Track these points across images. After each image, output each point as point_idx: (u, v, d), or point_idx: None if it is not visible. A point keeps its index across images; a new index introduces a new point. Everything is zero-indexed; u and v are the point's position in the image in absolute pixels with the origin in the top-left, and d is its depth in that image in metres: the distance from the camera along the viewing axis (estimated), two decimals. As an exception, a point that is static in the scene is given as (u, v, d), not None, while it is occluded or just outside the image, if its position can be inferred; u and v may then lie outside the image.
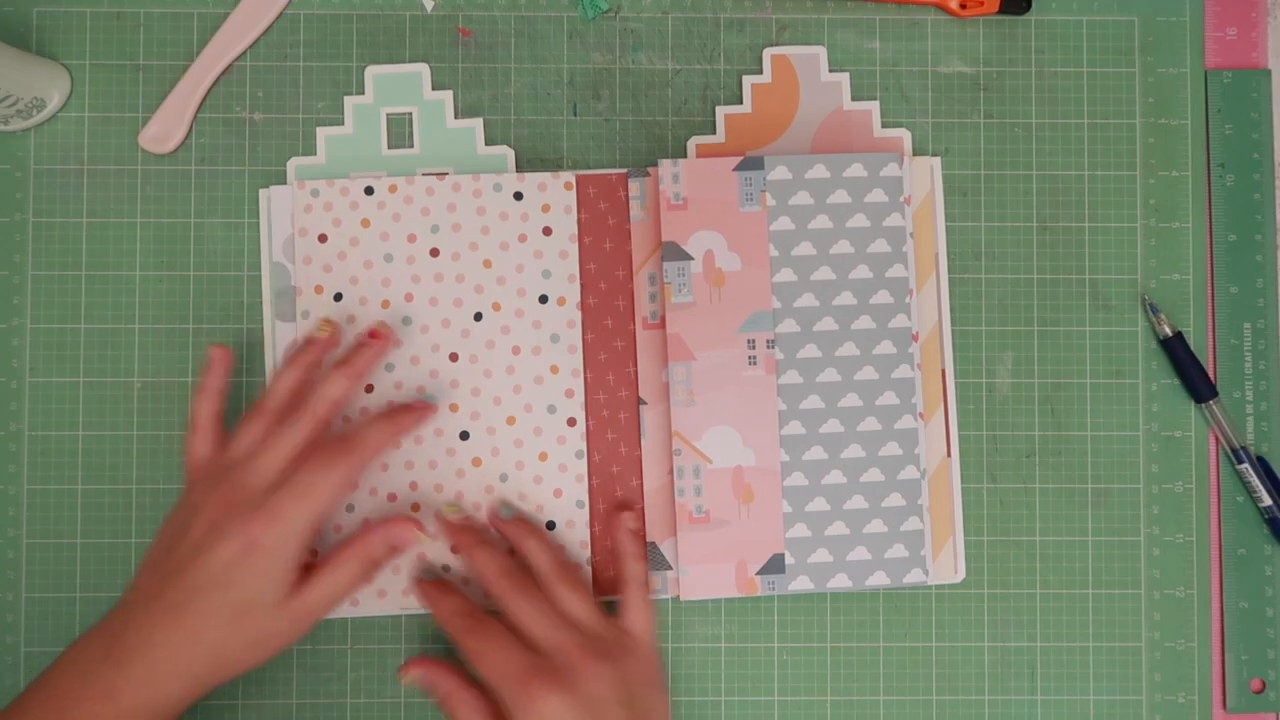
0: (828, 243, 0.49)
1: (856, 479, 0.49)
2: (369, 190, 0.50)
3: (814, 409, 0.49)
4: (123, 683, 0.41)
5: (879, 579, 0.49)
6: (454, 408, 0.50)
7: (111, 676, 0.41)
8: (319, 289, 0.50)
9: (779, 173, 0.49)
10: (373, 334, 0.49)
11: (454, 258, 0.50)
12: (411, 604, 0.49)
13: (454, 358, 0.50)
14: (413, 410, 0.48)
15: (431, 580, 0.49)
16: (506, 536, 0.49)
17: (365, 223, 0.50)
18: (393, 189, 0.50)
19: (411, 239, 0.50)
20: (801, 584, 0.49)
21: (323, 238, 0.50)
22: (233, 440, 0.46)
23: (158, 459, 0.51)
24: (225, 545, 0.43)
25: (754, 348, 0.49)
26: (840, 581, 0.49)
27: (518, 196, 0.50)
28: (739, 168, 0.49)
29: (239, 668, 0.44)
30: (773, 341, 0.49)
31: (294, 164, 0.52)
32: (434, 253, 0.50)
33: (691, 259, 0.49)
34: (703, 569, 0.49)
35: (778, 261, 0.49)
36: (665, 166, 0.49)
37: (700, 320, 0.49)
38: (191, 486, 0.46)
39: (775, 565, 0.49)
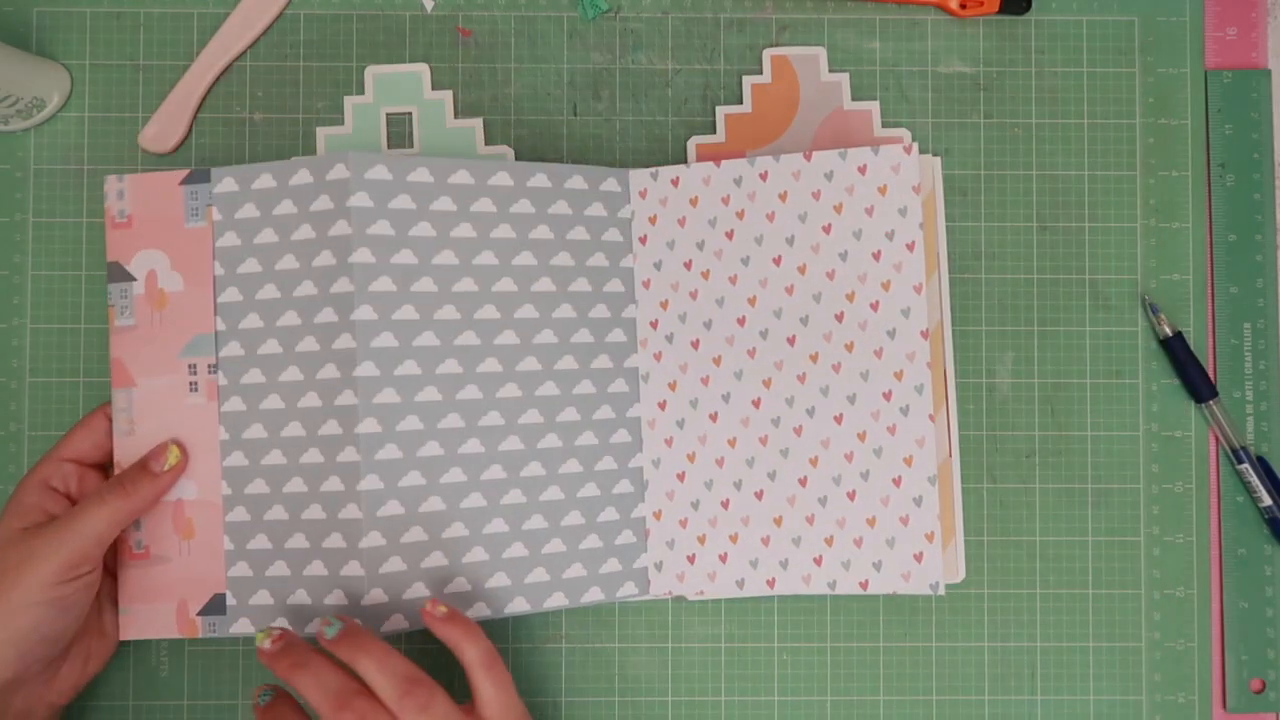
0: (273, 259, 0.46)
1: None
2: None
3: (256, 439, 0.46)
4: None
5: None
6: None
7: None
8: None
9: (225, 185, 0.46)
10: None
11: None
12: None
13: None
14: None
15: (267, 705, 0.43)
16: (338, 655, 0.41)
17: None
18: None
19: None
20: (242, 626, 0.46)
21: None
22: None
23: (158, 459, 0.51)
24: None
25: (195, 373, 0.47)
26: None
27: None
28: (185, 181, 0.47)
29: None
30: (215, 366, 0.46)
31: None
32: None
33: (134, 280, 0.47)
34: (145, 607, 0.47)
35: (223, 280, 0.46)
36: (111, 183, 0.47)
37: (142, 344, 0.47)
38: None
39: (217, 606, 0.46)
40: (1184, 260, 0.53)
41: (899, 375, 0.48)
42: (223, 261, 0.46)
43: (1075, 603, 0.52)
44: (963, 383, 0.52)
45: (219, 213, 0.46)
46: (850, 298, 0.49)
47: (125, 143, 0.52)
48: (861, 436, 0.49)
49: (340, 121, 0.52)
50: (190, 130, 0.52)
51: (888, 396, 0.48)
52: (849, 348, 0.49)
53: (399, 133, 0.52)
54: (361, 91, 0.52)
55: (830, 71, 0.53)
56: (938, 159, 0.52)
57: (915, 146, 0.49)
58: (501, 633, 0.51)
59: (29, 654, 0.42)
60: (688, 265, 0.50)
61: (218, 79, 0.52)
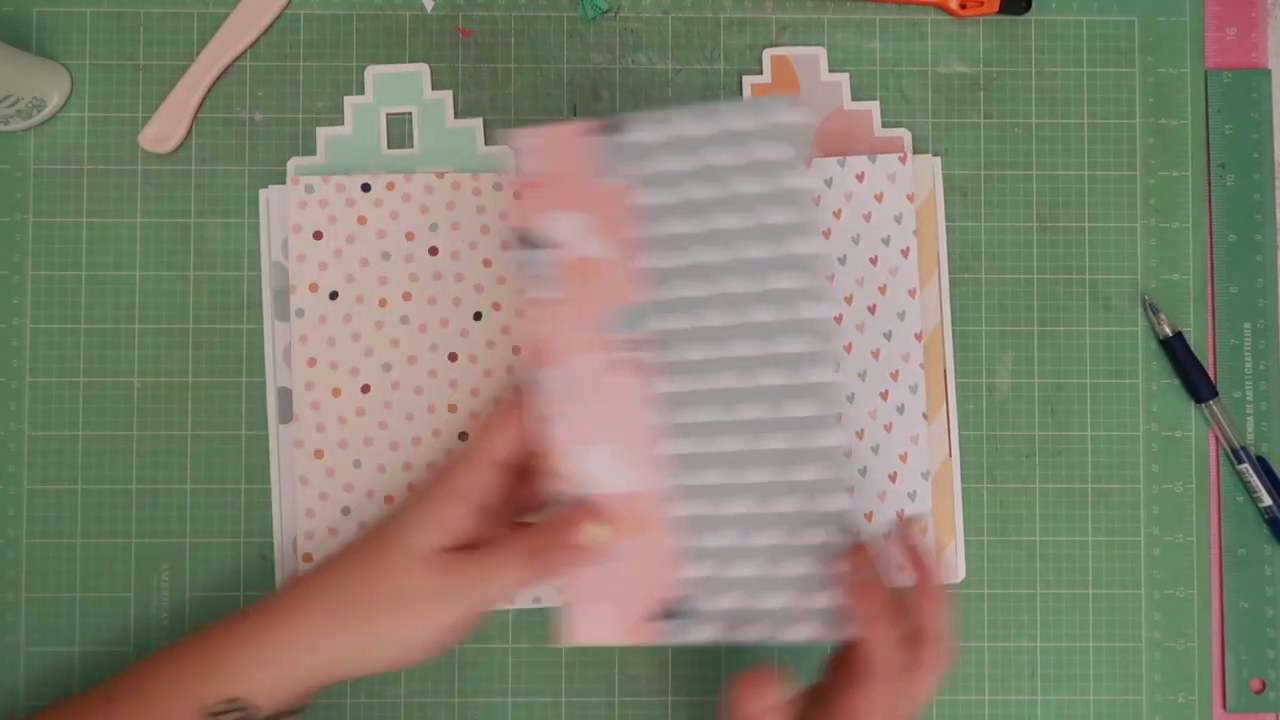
0: (708, 216, 0.40)
1: (766, 507, 0.41)
2: (365, 187, 0.50)
3: (707, 421, 0.41)
4: None
5: (800, 632, 0.41)
6: (452, 408, 0.50)
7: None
8: (313, 286, 0.50)
9: (641, 134, 0.41)
10: None
11: (453, 256, 0.50)
12: None
13: (453, 357, 0.50)
14: None
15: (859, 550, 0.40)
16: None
17: (362, 220, 0.50)
18: (390, 186, 0.50)
19: (410, 237, 0.50)
20: (700, 634, 0.41)
21: (318, 235, 0.50)
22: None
23: (158, 459, 0.51)
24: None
25: (623, 349, 0.41)
26: (759, 632, 0.41)
27: (518, 196, 0.50)
28: (593, 132, 0.41)
29: (383, 645, 0.41)
30: (645, 341, 0.41)
31: (294, 164, 0.52)
32: (433, 251, 0.50)
33: (551, 247, 0.42)
34: (589, 611, 0.42)
35: (646, 242, 0.41)
36: (518, 139, 0.42)
37: (564, 318, 0.42)
38: None
39: (671, 609, 0.42)
40: (1184, 260, 0.53)
41: (895, 375, 0.49)
42: (646, 221, 0.40)
43: (1075, 603, 0.52)
44: (963, 383, 0.52)
45: (636, 167, 0.40)
46: (848, 301, 0.49)
47: (125, 143, 0.52)
48: (859, 435, 0.49)
49: (340, 121, 0.52)
50: (190, 130, 0.52)
51: (884, 396, 0.49)
52: (847, 349, 0.49)
53: (399, 133, 0.52)
54: (361, 91, 0.52)
55: (830, 71, 0.53)
56: (938, 159, 0.52)
57: (911, 156, 0.49)
58: (501, 632, 0.51)
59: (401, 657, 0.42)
60: None
61: (218, 79, 0.52)
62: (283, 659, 0.41)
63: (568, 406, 0.42)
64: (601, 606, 0.42)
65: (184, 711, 0.40)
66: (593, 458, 0.42)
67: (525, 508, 0.44)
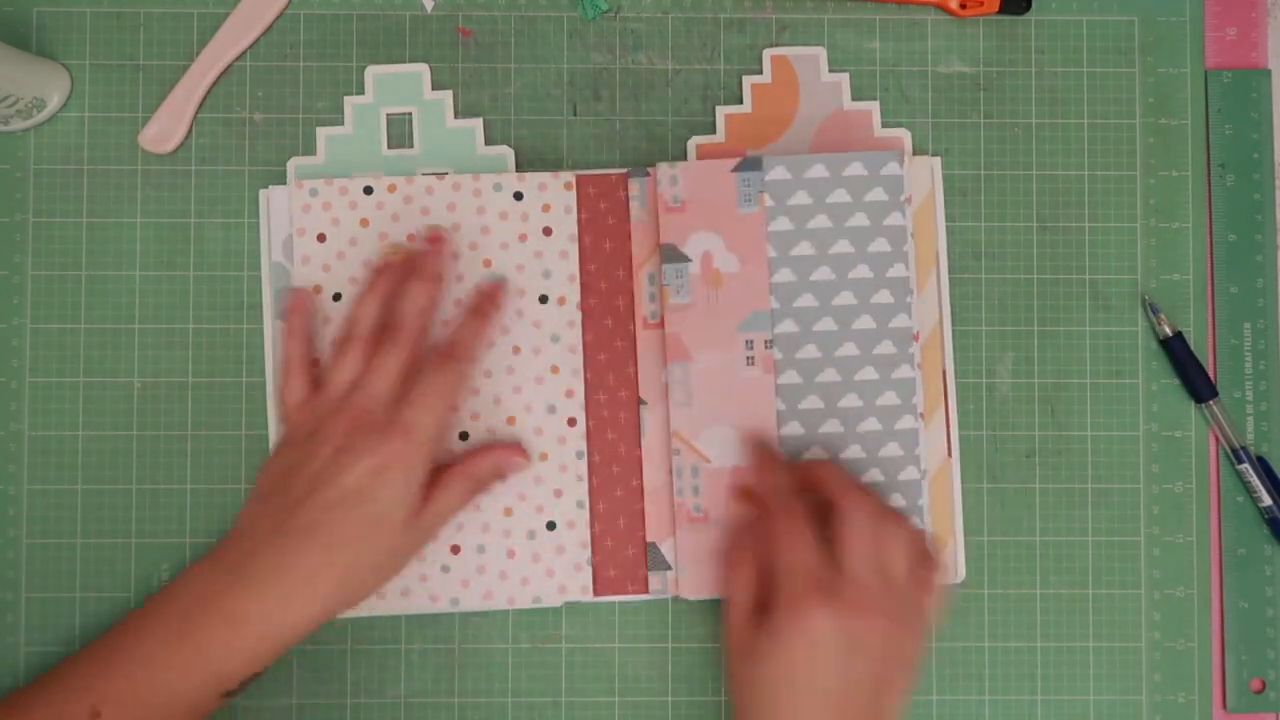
0: (827, 242, 0.49)
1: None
2: (368, 190, 0.50)
3: (813, 409, 0.49)
4: (252, 606, 0.42)
5: None
6: (452, 408, 0.50)
7: (237, 602, 0.42)
8: (317, 289, 0.50)
9: (777, 173, 0.49)
10: (431, 238, 0.49)
11: (454, 257, 0.50)
12: (410, 605, 0.49)
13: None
14: (490, 293, 0.49)
15: (763, 448, 0.49)
16: (820, 483, 0.46)
17: (364, 222, 0.50)
18: (392, 189, 0.50)
19: (411, 239, 0.50)
20: None
21: (321, 237, 0.50)
22: (330, 374, 0.46)
23: (158, 459, 0.51)
24: (358, 465, 0.44)
25: (752, 348, 0.49)
26: None
27: (518, 196, 0.50)
28: (737, 169, 0.49)
29: (362, 591, 0.45)
30: (771, 341, 0.49)
31: (294, 164, 0.52)
32: None
33: (689, 260, 0.49)
34: (702, 567, 0.49)
35: (776, 262, 0.49)
36: (663, 170, 0.49)
37: (698, 321, 0.49)
38: (296, 425, 0.46)
39: None
40: (1184, 260, 0.53)
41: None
42: (775, 244, 0.49)
43: (1075, 603, 0.52)
44: (963, 383, 0.52)
45: (771, 199, 0.49)
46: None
47: (125, 143, 0.52)
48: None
49: (340, 121, 0.52)
50: (190, 130, 0.52)
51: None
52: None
53: (399, 133, 0.52)
54: (361, 91, 0.52)
55: (830, 71, 0.53)
56: (937, 159, 0.52)
57: (908, 159, 0.49)
58: (501, 633, 0.51)
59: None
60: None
61: (218, 79, 0.52)
62: (287, 632, 0.43)
63: (700, 393, 0.49)
64: (713, 563, 0.49)
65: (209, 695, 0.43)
66: (720, 436, 0.49)
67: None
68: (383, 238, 0.50)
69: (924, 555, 0.44)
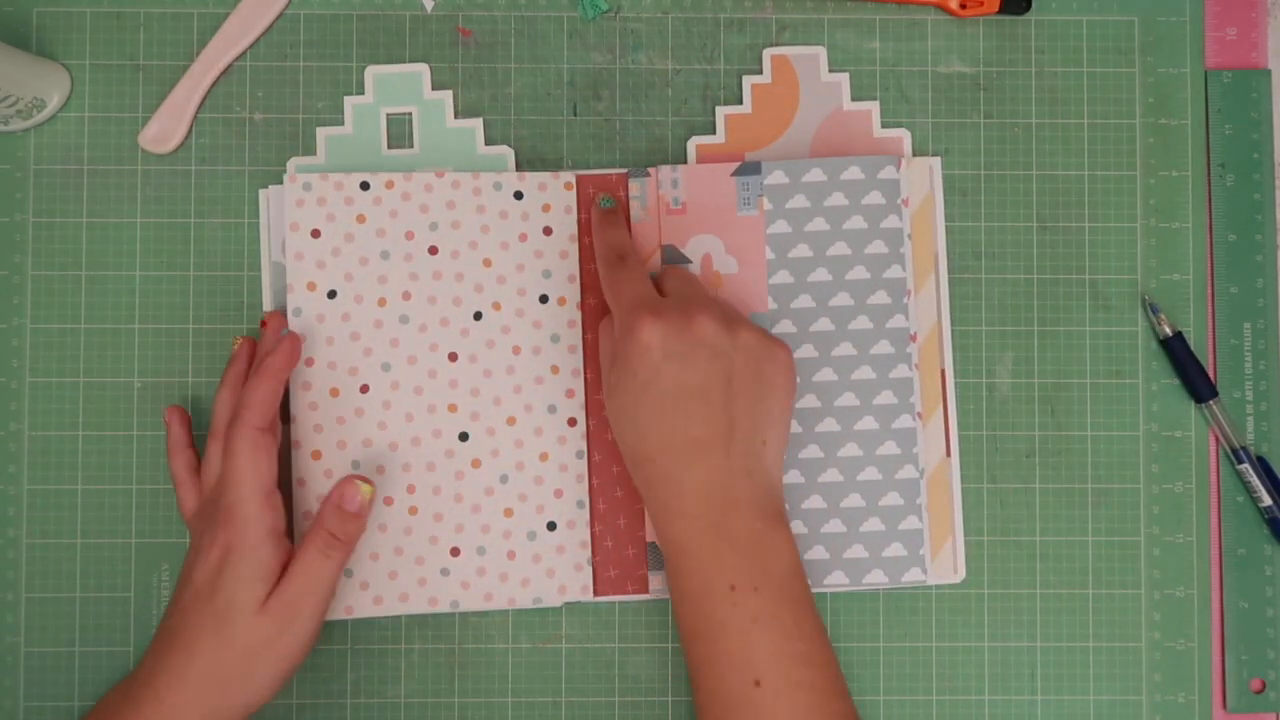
0: (824, 245, 0.50)
1: (854, 478, 0.49)
2: (364, 185, 0.50)
3: (810, 408, 0.49)
4: (145, 710, 0.42)
5: (876, 577, 0.49)
6: (452, 408, 0.50)
7: (129, 718, 0.42)
8: (311, 286, 0.49)
9: (775, 177, 0.50)
10: (275, 331, 0.48)
11: (453, 256, 0.50)
12: (410, 609, 0.49)
13: (453, 357, 0.50)
14: (280, 350, 0.46)
15: (607, 209, 0.50)
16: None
17: (361, 218, 0.50)
18: (390, 185, 0.50)
19: (409, 236, 0.50)
20: None
21: (316, 233, 0.49)
22: (203, 475, 0.47)
23: (158, 459, 0.51)
24: (204, 559, 0.44)
25: None
26: (837, 579, 0.49)
27: (518, 196, 0.50)
28: (736, 173, 0.50)
29: (247, 692, 0.43)
30: None
31: (294, 164, 0.52)
32: (433, 250, 0.50)
33: (689, 262, 0.49)
34: None
35: (774, 264, 0.49)
36: (664, 172, 0.50)
37: None
38: (193, 534, 0.47)
39: None
40: (1184, 260, 0.53)
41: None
42: (773, 247, 0.49)
43: (1075, 603, 0.52)
44: (963, 383, 0.52)
45: (769, 202, 0.50)
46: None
47: (125, 143, 0.52)
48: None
49: (340, 121, 0.52)
50: (190, 130, 0.52)
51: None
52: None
53: (399, 133, 0.52)
54: (361, 91, 0.52)
55: (830, 71, 0.53)
56: (936, 160, 0.52)
57: (906, 162, 0.49)
58: (501, 633, 0.51)
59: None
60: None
61: (218, 79, 0.52)
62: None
63: None
64: None
65: None
66: None
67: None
68: (380, 234, 0.50)
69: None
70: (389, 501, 0.49)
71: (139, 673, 0.44)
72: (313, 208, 0.50)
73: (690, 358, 0.43)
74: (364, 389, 0.49)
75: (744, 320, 0.46)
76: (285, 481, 0.50)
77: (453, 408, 0.50)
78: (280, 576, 0.44)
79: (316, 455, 0.49)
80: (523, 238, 0.50)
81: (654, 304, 0.45)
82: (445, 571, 0.49)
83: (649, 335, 0.43)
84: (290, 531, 0.48)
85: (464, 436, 0.50)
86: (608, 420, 0.47)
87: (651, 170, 0.51)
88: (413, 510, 0.49)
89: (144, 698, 0.43)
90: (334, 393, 0.49)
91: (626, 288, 0.46)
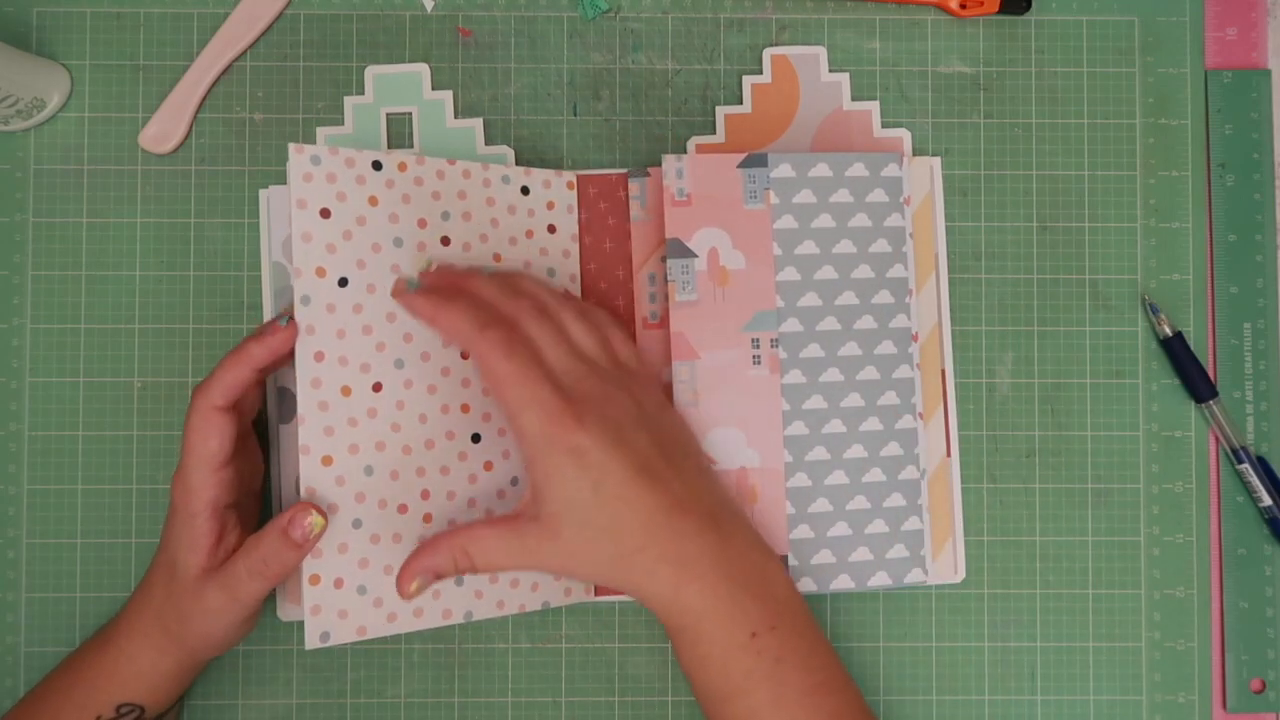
0: (830, 242, 0.49)
1: (858, 479, 0.49)
2: (377, 165, 0.46)
3: (817, 409, 0.49)
4: (124, 646, 0.45)
5: (880, 579, 0.49)
6: (465, 408, 0.48)
7: (114, 645, 0.45)
8: (320, 271, 0.44)
9: (782, 170, 0.49)
10: (277, 326, 0.44)
11: (465, 248, 0.48)
12: (425, 623, 0.46)
13: (465, 354, 0.48)
14: (264, 337, 0.44)
15: (425, 291, 0.45)
16: (491, 288, 0.45)
17: (373, 200, 0.45)
18: (403, 167, 0.47)
19: (422, 224, 0.47)
20: (805, 586, 0.48)
21: (325, 212, 0.44)
22: None
23: (158, 459, 0.51)
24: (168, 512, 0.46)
25: (758, 347, 0.49)
26: (843, 583, 0.49)
27: (524, 191, 0.50)
28: (743, 164, 0.49)
29: (198, 640, 0.44)
30: (776, 341, 0.49)
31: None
32: (445, 241, 0.47)
33: (695, 256, 0.49)
34: None
35: (781, 260, 0.49)
36: (669, 162, 0.49)
37: (704, 319, 0.49)
38: None
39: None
40: (1184, 260, 0.53)
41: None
42: (780, 242, 0.49)
43: (1075, 603, 0.52)
44: (963, 383, 0.52)
45: (776, 196, 0.49)
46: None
47: (125, 143, 0.52)
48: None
49: (340, 121, 0.52)
50: (190, 130, 0.52)
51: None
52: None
53: (399, 133, 0.52)
54: (361, 91, 0.52)
55: (830, 71, 0.53)
56: (937, 159, 0.52)
57: (908, 160, 0.49)
58: (501, 633, 0.51)
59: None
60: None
61: (218, 79, 0.52)
62: (147, 670, 0.45)
63: (705, 392, 0.48)
64: None
65: None
66: (726, 438, 0.48)
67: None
68: (393, 220, 0.46)
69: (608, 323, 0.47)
70: (403, 510, 0.45)
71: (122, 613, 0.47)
72: (322, 184, 0.45)
73: (618, 436, 0.42)
74: (377, 387, 0.45)
75: (588, 370, 0.44)
76: (285, 484, 0.50)
77: (465, 408, 0.47)
78: (222, 549, 0.44)
79: (327, 461, 0.44)
80: (529, 234, 0.50)
81: (566, 408, 0.42)
82: (459, 581, 0.46)
83: (583, 446, 0.41)
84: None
85: (476, 438, 0.48)
86: (561, 567, 0.43)
87: (653, 169, 0.50)
88: (427, 518, 0.46)
89: (112, 627, 0.46)
90: (345, 391, 0.44)
91: (529, 386, 0.42)
